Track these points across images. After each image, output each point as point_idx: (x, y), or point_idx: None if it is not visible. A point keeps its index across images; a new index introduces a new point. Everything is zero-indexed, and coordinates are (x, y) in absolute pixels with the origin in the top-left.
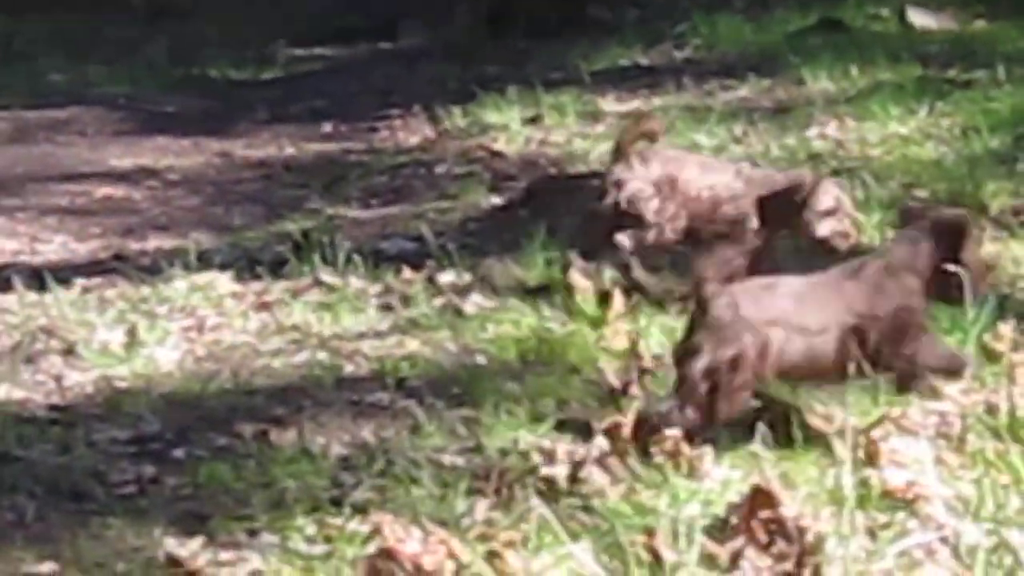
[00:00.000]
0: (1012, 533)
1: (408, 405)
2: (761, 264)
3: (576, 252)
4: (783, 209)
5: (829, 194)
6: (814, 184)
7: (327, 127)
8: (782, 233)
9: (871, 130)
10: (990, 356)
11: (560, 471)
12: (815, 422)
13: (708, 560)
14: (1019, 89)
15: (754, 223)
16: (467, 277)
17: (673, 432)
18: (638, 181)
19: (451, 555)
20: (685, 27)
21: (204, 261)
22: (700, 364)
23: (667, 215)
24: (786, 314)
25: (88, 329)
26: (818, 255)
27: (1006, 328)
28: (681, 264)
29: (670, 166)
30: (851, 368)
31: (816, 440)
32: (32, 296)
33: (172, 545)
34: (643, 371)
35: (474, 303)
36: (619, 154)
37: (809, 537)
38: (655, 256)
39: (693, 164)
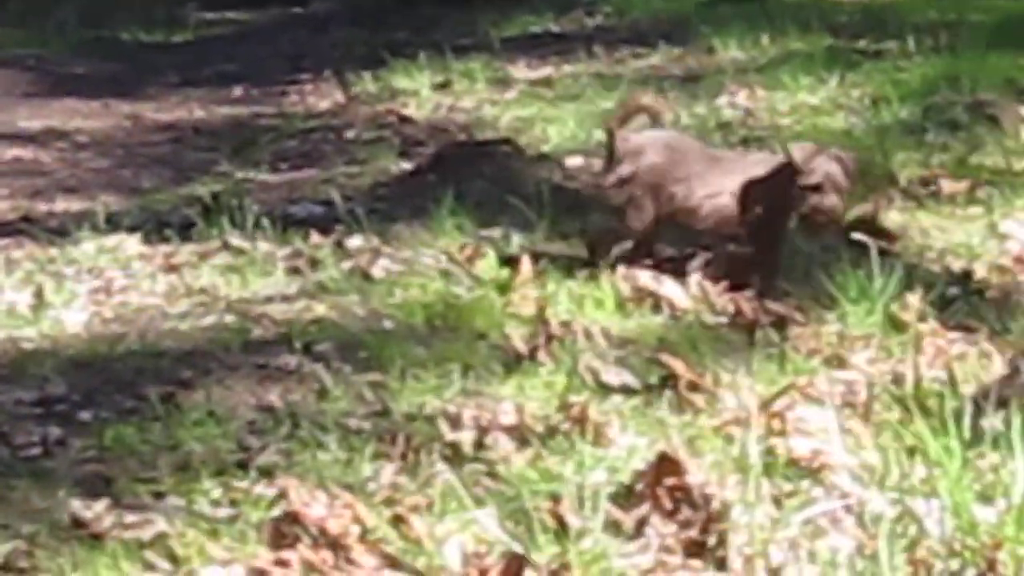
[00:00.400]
0: (917, 502)
1: (315, 369)
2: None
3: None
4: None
5: (819, 169)
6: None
7: (237, 91)
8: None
9: (781, 99)
10: (897, 326)
11: (466, 436)
12: (720, 390)
13: (613, 527)
14: (928, 60)
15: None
16: (375, 242)
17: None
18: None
19: (356, 519)
20: None
21: (112, 223)
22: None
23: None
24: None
25: None
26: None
27: (913, 298)
28: None
29: (665, 161)
30: (758, 337)
31: (722, 408)
32: None
33: (77, 507)
34: (550, 337)
35: (382, 268)
36: (610, 138)
37: (715, 505)
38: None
39: (697, 160)
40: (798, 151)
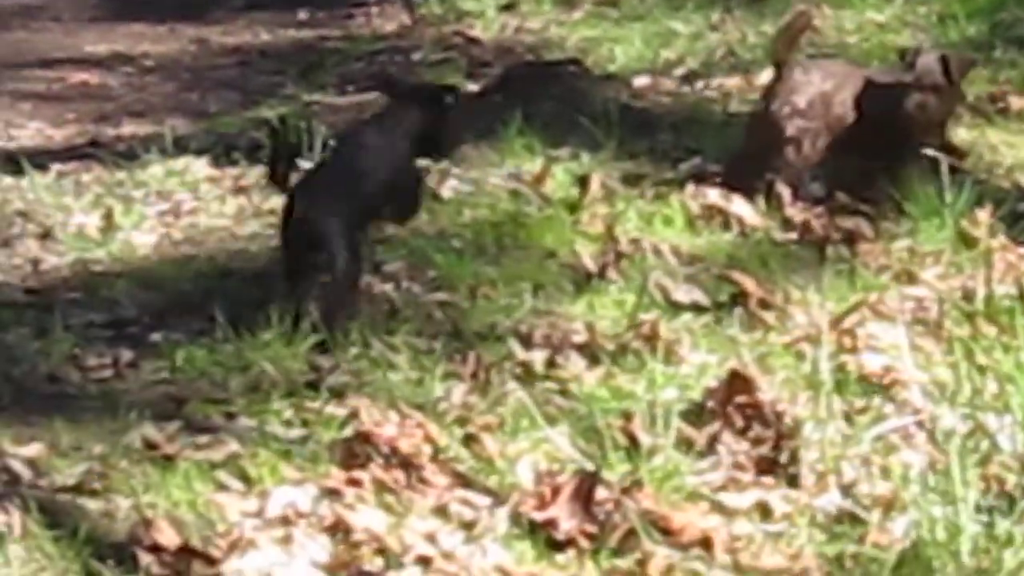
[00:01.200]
0: (988, 417)
1: (385, 289)
2: None
3: None
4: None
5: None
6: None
7: (303, 14)
8: None
9: (848, 17)
10: (967, 241)
11: (537, 356)
12: (790, 307)
13: (685, 444)
14: None
15: None
16: (444, 162)
17: None
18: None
19: (428, 439)
20: None
21: (180, 147)
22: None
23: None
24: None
25: (64, 213)
26: None
27: (983, 214)
28: None
29: (829, 82)
30: (828, 253)
31: (793, 325)
32: (8, 180)
33: (149, 429)
34: (619, 255)
35: (451, 188)
36: (778, 66)
37: (786, 421)
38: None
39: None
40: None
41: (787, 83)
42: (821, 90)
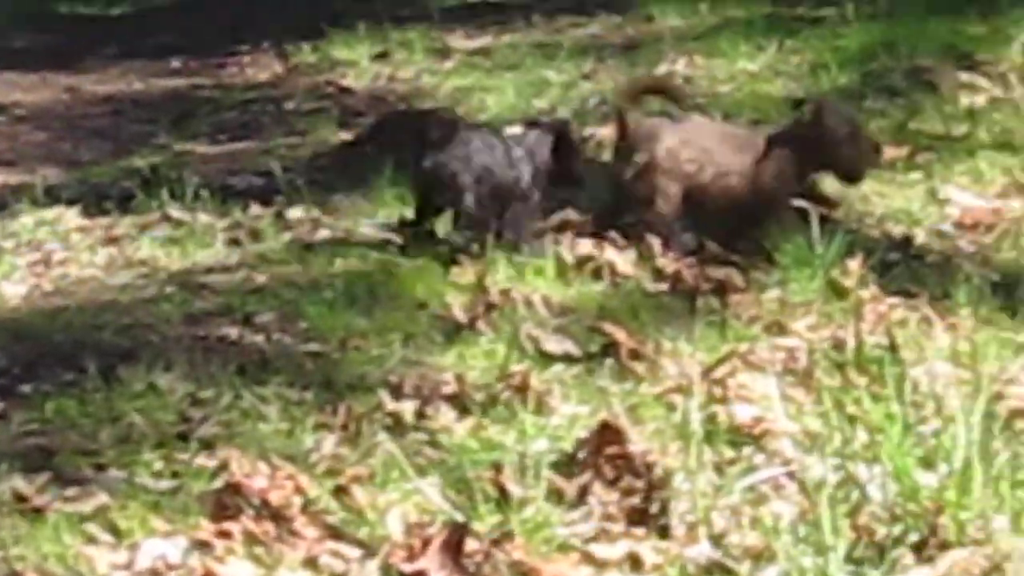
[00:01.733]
0: (858, 468)
1: (256, 340)
2: None
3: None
4: None
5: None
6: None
7: (176, 63)
8: None
9: (720, 67)
10: (838, 292)
11: (407, 406)
12: (662, 358)
13: (555, 495)
14: (867, 26)
15: None
16: (315, 212)
17: None
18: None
19: (298, 490)
20: None
21: (51, 196)
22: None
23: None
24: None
25: None
26: None
27: (854, 264)
28: None
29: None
30: (699, 303)
31: (664, 376)
32: None
33: (18, 481)
34: (490, 306)
35: (322, 238)
36: (621, 121)
37: (657, 472)
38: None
39: (708, 138)
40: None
41: (638, 136)
42: (673, 143)
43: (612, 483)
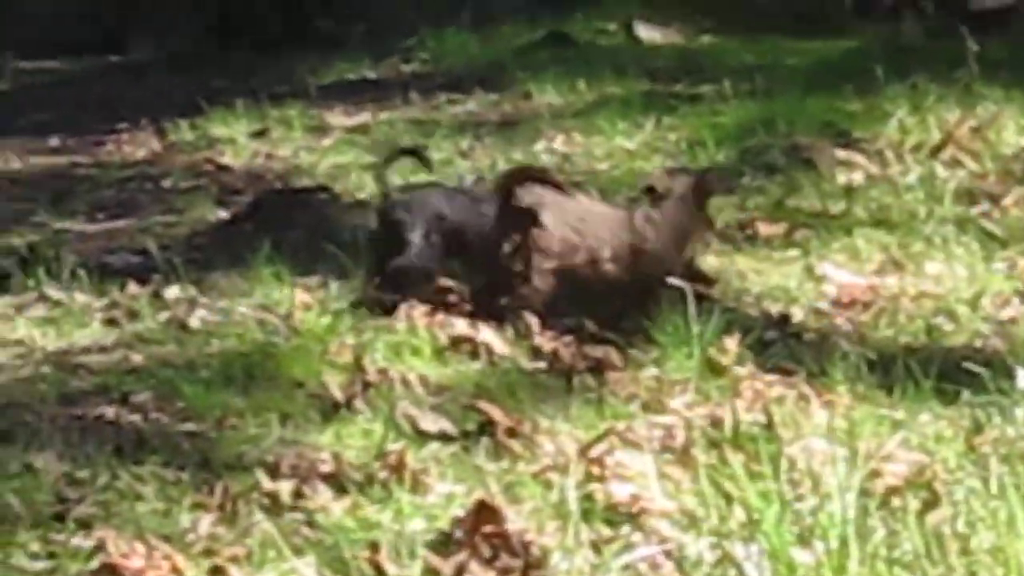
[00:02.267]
0: (735, 546)
1: (133, 420)
2: None
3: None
4: None
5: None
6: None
7: (54, 141)
8: None
9: (598, 144)
10: (715, 369)
11: (284, 486)
12: (538, 436)
13: (432, 574)
14: (744, 103)
15: None
16: (192, 291)
17: None
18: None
19: (175, 570)
20: (413, 41)
21: None
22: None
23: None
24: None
25: None
26: None
27: (731, 342)
28: None
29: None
30: (576, 382)
31: (541, 454)
32: None
33: None
34: (367, 385)
35: (199, 317)
36: (502, 206)
37: (534, 551)
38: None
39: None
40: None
41: (515, 216)
42: (550, 223)
43: (489, 562)
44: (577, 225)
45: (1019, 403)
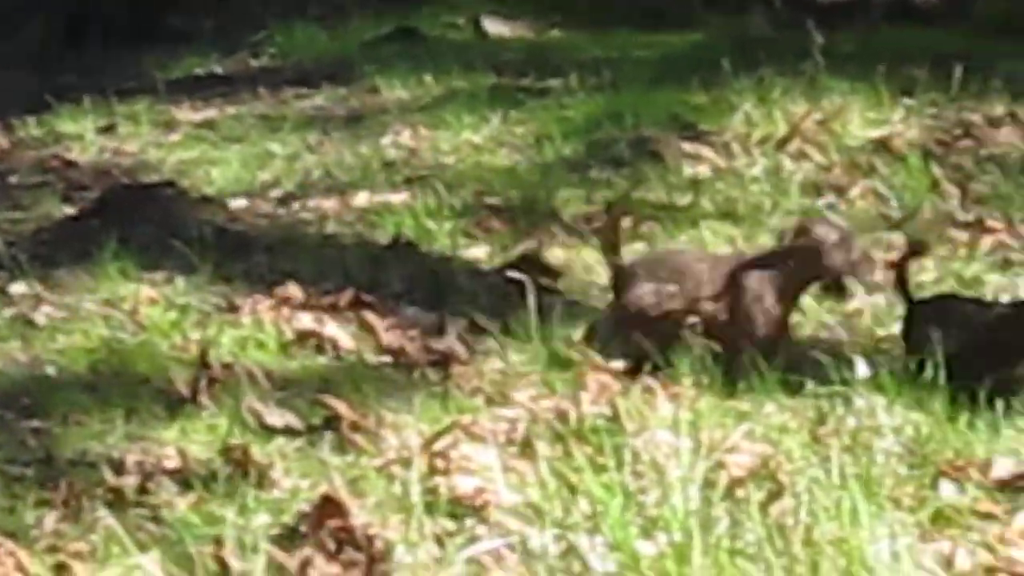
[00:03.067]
0: (580, 538)
1: None
2: None
3: None
4: None
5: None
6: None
7: None
8: None
9: (444, 138)
10: (560, 363)
11: (129, 481)
12: (383, 430)
13: (276, 569)
14: (592, 97)
15: None
16: (38, 288)
17: None
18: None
19: (19, 567)
20: (261, 35)
21: None
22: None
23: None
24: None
25: None
26: None
27: (576, 335)
28: None
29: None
30: (417, 374)
31: (385, 448)
32: None
33: None
34: (212, 380)
35: (44, 314)
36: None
37: (378, 545)
38: None
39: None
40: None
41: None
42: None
43: (333, 556)
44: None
45: (860, 393)
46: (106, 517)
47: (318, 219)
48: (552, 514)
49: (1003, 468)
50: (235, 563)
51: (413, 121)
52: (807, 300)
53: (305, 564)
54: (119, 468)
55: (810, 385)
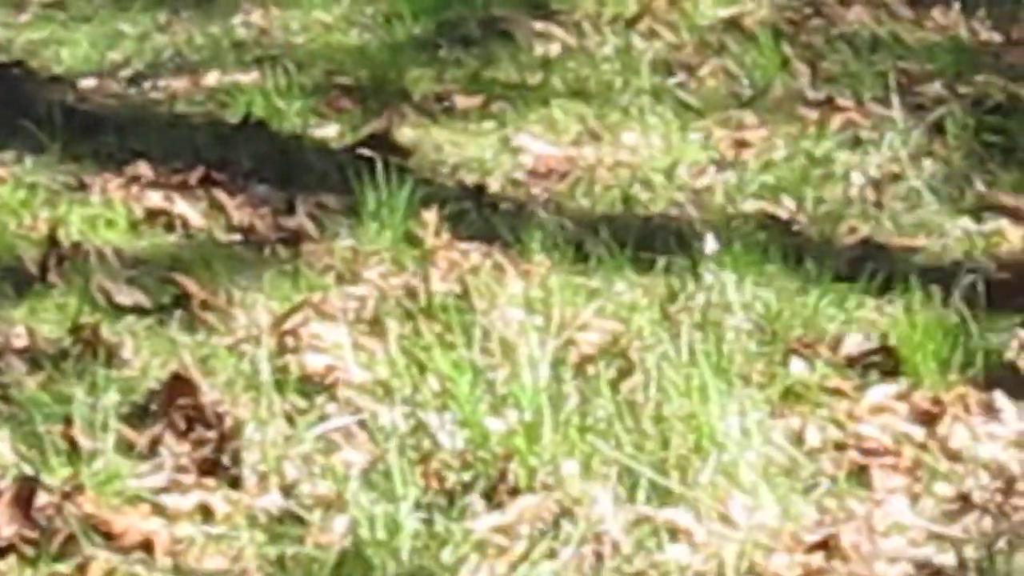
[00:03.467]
0: (429, 415)
1: None
2: None
3: None
4: None
5: None
6: None
7: None
8: None
9: (294, 18)
10: (411, 241)
11: None
12: (234, 309)
13: (126, 447)
14: None
15: None
16: None
17: None
18: None
19: None
20: None
21: None
22: None
23: None
24: None
25: None
26: None
27: (427, 213)
28: None
29: None
30: (267, 251)
31: (235, 327)
32: None
33: None
34: (62, 258)
35: None
36: None
37: (228, 423)
38: None
39: None
40: None
41: None
42: None
43: (183, 434)
44: None
45: (710, 269)
46: None
47: (168, 98)
48: (402, 391)
49: (853, 345)
50: (85, 441)
51: (263, 0)
52: (657, 178)
53: (155, 442)
54: None
55: (661, 262)
